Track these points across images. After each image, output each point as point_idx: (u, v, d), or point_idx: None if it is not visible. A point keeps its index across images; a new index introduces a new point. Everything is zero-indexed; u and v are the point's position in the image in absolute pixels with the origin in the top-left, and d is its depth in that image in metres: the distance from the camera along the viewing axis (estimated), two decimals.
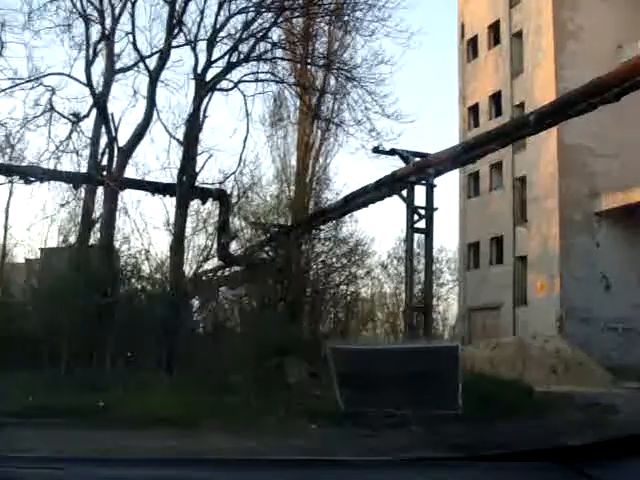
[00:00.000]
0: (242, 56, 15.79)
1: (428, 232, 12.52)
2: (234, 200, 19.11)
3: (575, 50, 29.16)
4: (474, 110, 34.02)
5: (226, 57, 15.82)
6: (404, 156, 12.27)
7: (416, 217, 12.45)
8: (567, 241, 27.72)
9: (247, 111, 17.11)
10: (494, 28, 33.28)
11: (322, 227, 19.83)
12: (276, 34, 17.33)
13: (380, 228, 33.11)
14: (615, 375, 19.29)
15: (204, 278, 19.36)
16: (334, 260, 20.22)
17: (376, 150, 12.70)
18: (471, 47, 34.80)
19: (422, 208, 12.54)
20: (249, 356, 14.95)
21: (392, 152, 12.61)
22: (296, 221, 19.42)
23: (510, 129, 10.94)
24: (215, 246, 19.42)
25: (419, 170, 12.18)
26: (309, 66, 21.79)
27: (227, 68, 15.98)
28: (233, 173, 17.40)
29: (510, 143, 11.88)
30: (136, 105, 16.95)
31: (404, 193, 12.62)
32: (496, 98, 32.49)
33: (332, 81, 20.64)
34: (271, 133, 25.75)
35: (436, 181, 13.53)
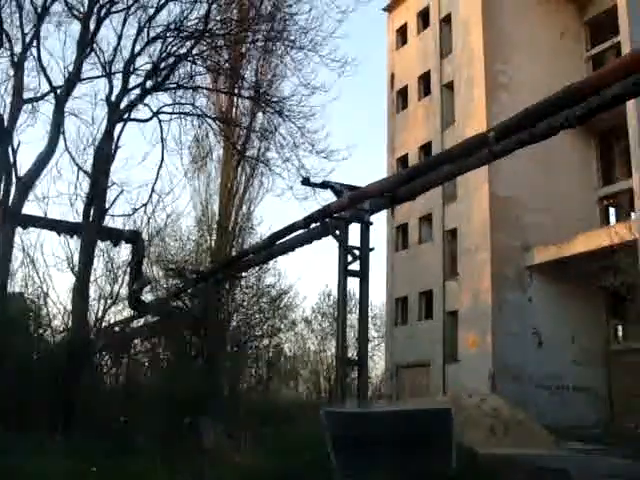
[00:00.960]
0: (159, 80, 14.32)
1: (363, 275, 11.16)
2: (147, 241, 17.43)
3: (507, 102, 28.63)
4: (403, 161, 33.21)
5: (142, 84, 14.40)
6: (337, 190, 10.95)
7: (350, 259, 11.12)
8: (499, 296, 26.79)
9: (162, 137, 15.55)
10: (424, 79, 32.76)
11: (244, 274, 18.33)
12: (199, 63, 15.89)
13: (304, 283, 31.78)
14: (552, 434, 18.16)
15: (116, 329, 17.52)
16: (256, 310, 18.74)
17: (306, 182, 11.34)
18: (401, 98, 34.19)
19: (356, 248, 11.18)
20: (158, 415, 13.25)
21: (324, 185, 11.25)
22: (215, 266, 17.82)
23: (463, 150, 9.64)
24: (125, 293, 17.69)
25: (353, 203, 10.87)
26: (236, 99, 20.67)
27: (142, 94, 14.48)
28: (144, 205, 15.69)
29: (460, 173, 10.63)
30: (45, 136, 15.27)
31: (337, 232, 11.30)
32: (426, 149, 31.74)
33: (259, 119, 19.42)
34: (193, 174, 24.36)
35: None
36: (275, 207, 28.83)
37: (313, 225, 12.29)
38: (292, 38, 15.79)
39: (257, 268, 18.42)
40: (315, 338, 43.08)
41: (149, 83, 14.61)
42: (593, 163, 30.96)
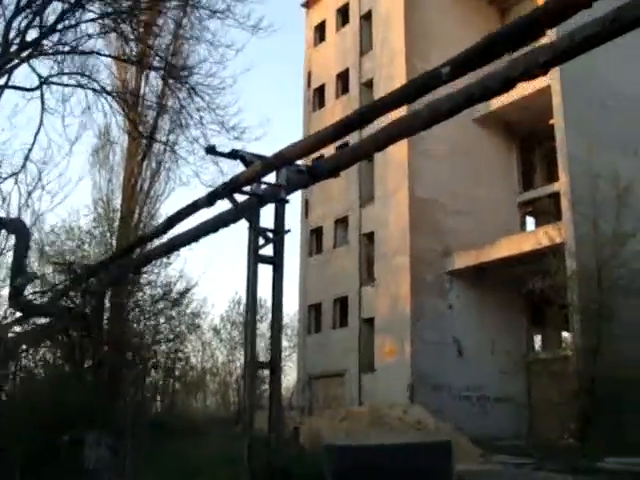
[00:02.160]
0: (42, 31, 12.20)
1: (277, 261, 9.41)
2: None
3: (427, 101, 27.55)
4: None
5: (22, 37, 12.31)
6: (248, 160, 9.21)
7: (262, 242, 9.34)
8: (418, 302, 25.47)
9: (43, 103, 13.44)
10: (343, 77, 31.39)
11: (143, 270, 16.38)
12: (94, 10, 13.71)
13: (213, 291, 29.93)
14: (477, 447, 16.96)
15: None
16: (156, 311, 16.82)
17: (211, 151, 9.49)
18: (318, 95, 32.73)
19: (270, 231, 9.41)
20: (36, 432, 11.29)
21: (233, 155, 9.41)
22: (106, 258, 15.75)
23: (409, 91, 8.12)
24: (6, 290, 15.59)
25: (267, 169, 9.11)
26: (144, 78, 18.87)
27: (20, 49, 12.38)
28: (15, 174, 13.56)
29: (411, 135, 9.02)
30: None
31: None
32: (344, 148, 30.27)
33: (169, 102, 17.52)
34: (93, 168, 22.36)
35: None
36: (183, 204, 26.53)
37: (222, 212, 10.57)
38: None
39: (158, 263, 16.50)
40: (224, 348, 41.33)
41: (33, 35, 12.46)
42: (515, 168, 30.20)
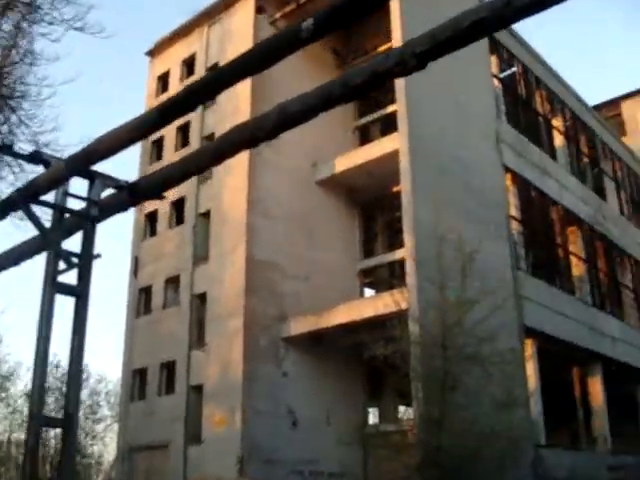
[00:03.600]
0: None
1: (81, 292, 7.47)
2: None
3: (271, 159, 26.49)
4: (152, 217, 29.74)
5: None
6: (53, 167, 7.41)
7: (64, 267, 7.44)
8: (251, 369, 23.68)
9: None
10: (183, 130, 29.73)
11: None
12: None
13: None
14: None
15: None
16: None
17: (6, 150, 7.67)
18: (156, 148, 30.87)
19: (75, 255, 7.52)
20: None
21: (33, 157, 7.56)
22: None
23: (263, 50, 6.56)
24: None
25: (72, 170, 7.25)
26: None
27: None
28: None
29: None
30: None
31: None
32: (178, 205, 28.51)
33: None
34: None
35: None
36: None
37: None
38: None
39: None
40: None
41: None
42: (356, 234, 29.48)
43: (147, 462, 25.52)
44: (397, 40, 25.37)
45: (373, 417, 30.20)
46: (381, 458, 21.87)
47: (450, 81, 26.93)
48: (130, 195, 8.06)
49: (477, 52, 29.66)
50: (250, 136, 7.15)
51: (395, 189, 26.10)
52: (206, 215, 27.10)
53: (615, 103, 49.58)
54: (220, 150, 7.47)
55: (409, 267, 21.74)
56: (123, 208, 8.54)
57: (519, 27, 35.42)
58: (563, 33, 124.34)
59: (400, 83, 24.75)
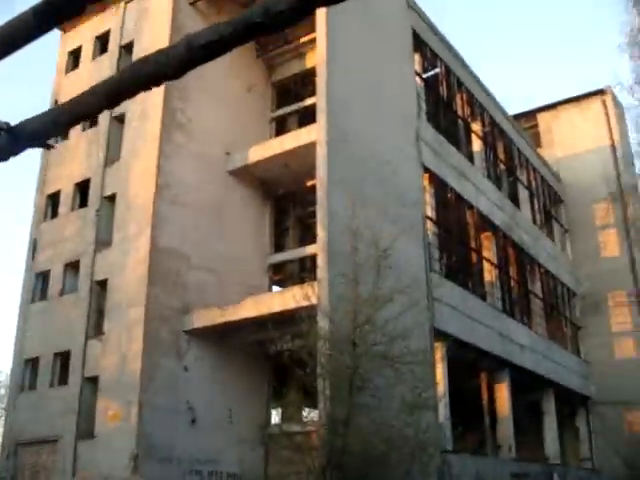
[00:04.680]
0: None
1: None
2: None
3: (182, 142, 25.37)
4: (54, 198, 28.08)
5: None
6: None
7: None
8: (150, 362, 22.43)
9: None
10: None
11: None
12: None
13: None
14: None
15: None
16: None
17: None
18: None
19: None
20: None
21: None
22: None
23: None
24: None
25: None
26: None
27: None
28: None
29: None
30: None
31: None
32: (83, 187, 27.01)
33: None
34: None
35: None
36: None
37: None
38: None
39: None
40: None
41: None
42: (267, 228, 28.55)
43: (34, 458, 23.93)
44: (322, 34, 24.62)
45: (277, 417, 29.30)
46: (284, 460, 20.94)
47: (373, 76, 26.42)
48: (10, 140, 6.88)
49: (401, 49, 29.30)
50: (154, 72, 6.05)
51: (310, 183, 25.39)
52: (111, 199, 25.70)
53: (532, 115, 50.27)
54: (117, 88, 6.34)
55: (321, 260, 20.94)
56: (2, 157, 7.33)
57: (444, 29, 35.43)
58: (490, 40, 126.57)
59: (322, 74, 24.02)
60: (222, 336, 24.48)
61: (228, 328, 24.02)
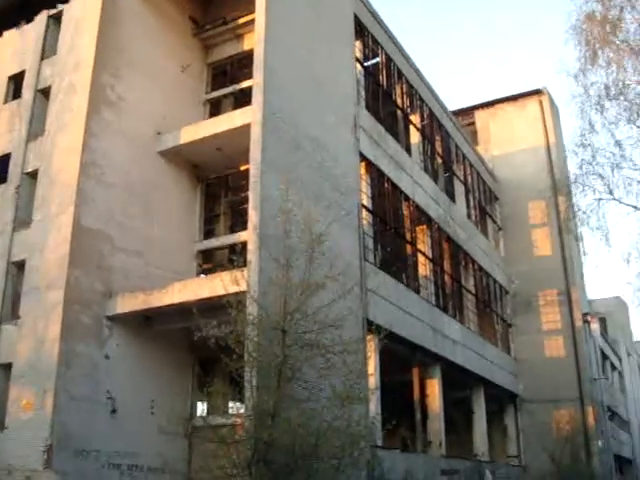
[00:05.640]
0: None
1: None
2: None
3: (110, 119, 24.15)
4: None
5: None
6: None
7: None
8: (69, 348, 21.14)
9: None
10: (17, 79, 26.77)
11: None
12: None
13: None
14: None
15: None
16: None
17: None
18: None
19: None
20: None
21: None
22: None
23: None
24: None
25: None
26: None
27: None
28: None
29: None
30: None
31: None
32: (2, 163, 25.53)
33: None
34: None
35: None
36: None
37: None
38: None
39: None
40: None
41: None
42: (197, 213, 27.52)
43: None
44: (261, 13, 23.67)
45: (202, 409, 28.24)
46: (208, 453, 19.94)
47: (312, 59, 25.66)
48: None
49: (342, 34, 28.62)
50: None
51: (244, 168, 24.51)
52: (33, 175, 24.32)
53: (469, 112, 50.35)
54: None
55: (252, 243, 19.99)
56: None
57: (386, 17, 34.91)
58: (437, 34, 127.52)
59: (259, 53, 23.10)
60: (147, 323, 23.41)
61: (153, 314, 23.00)
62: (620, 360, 64.43)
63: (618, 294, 76.87)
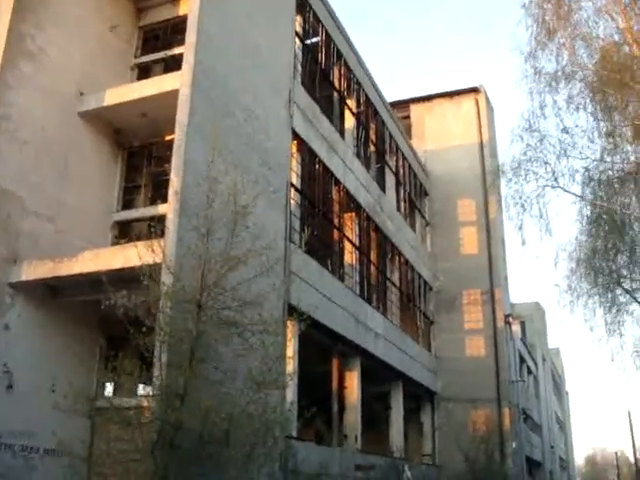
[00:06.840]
0: None
1: None
2: None
3: (29, 73, 22.35)
4: None
5: None
6: None
7: None
8: None
9: None
10: None
11: None
12: None
13: None
14: None
15: None
16: None
17: None
18: None
19: None
20: None
21: None
22: None
23: None
24: None
25: None
26: None
27: None
28: None
29: None
30: None
31: None
32: None
33: None
34: None
35: None
36: None
37: None
38: None
39: None
40: None
41: None
42: (116, 181, 25.87)
43: None
44: None
45: (110, 390, 26.63)
46: (111, 436, 18.49)
47: (249, 27, 24.39)
48: None
49: (282, 6, 27.37)
50: None
51: (169, 138, 23.00)
52: None
53: (405, 104, 49.78)
54: None
55: (171, 211, 18.64)
56: None
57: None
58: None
59: (193, 15, 21.71)
60: (54, 293, 21.73)
61: (61, 284, 21.34)
62: (536, 365, 65.09)
63: (538, 300, 77.76)
